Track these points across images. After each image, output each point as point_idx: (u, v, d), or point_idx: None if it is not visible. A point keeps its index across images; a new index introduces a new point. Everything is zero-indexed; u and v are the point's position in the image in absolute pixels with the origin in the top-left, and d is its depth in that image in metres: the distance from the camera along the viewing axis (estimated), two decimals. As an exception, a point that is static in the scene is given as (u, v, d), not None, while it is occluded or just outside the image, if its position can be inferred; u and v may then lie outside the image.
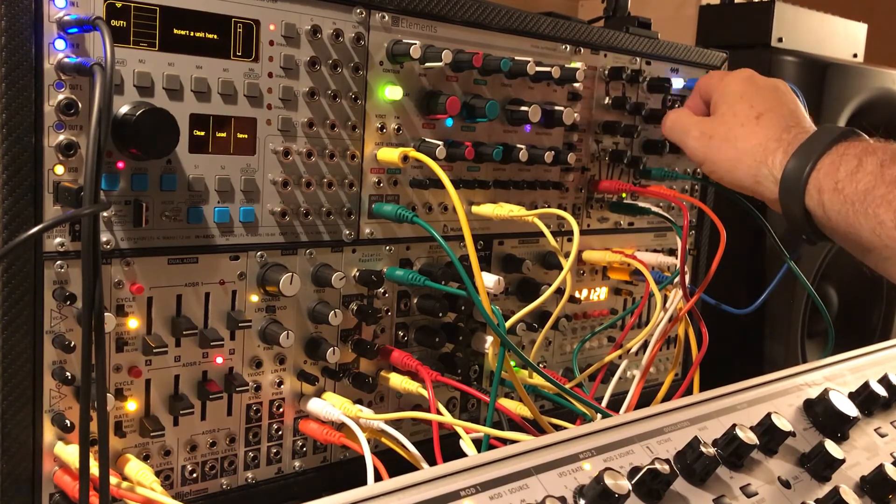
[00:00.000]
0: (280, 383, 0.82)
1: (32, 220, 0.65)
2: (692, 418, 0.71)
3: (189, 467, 0.77)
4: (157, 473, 0.73)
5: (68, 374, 0.68)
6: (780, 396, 0.78)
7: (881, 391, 0.82)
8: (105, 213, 0.69)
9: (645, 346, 1.11)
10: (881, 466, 0.73)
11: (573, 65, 0.96)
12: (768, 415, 0.72)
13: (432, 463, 0.77)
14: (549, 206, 1.00)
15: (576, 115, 0.96)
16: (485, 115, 0.87)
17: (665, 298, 0.98)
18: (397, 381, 0.87)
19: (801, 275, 1.08)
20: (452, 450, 0.79)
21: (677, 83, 1.12)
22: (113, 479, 0.67)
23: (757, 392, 0.77)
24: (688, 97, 1.00)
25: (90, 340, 0.59)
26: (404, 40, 0.83)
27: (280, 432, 0.83)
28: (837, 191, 0.75)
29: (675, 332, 1.02)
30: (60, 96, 0.65)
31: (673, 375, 1.03)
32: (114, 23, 0.67)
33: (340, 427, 0.81)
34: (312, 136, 0.80)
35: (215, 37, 0.72)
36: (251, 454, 0.81)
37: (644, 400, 0.99)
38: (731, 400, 0.75)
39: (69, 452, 0.68)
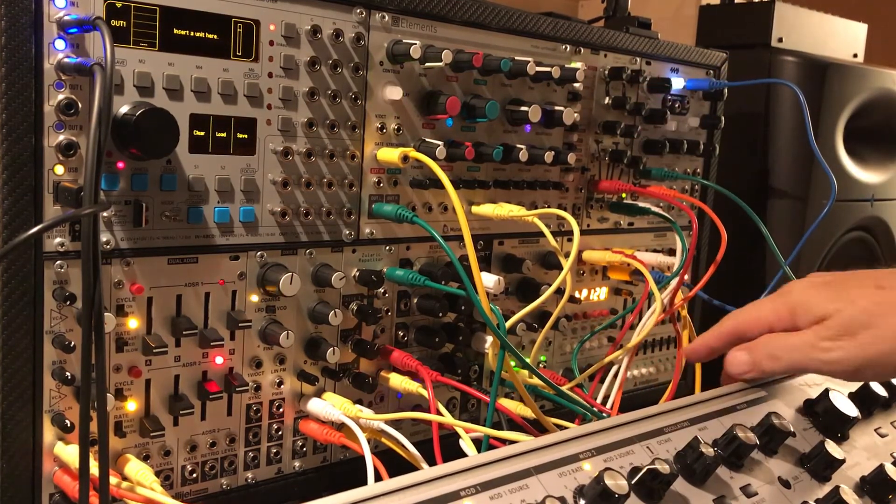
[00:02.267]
0: (280, 383, 0.82)
1: (32, 220, 0.65)
2: (692, 418, 0.71)
3: (189, 467, 0.77)
4: (157, 473, 0.73)
5: (68, 374, 0.68)
6: (780, 396, 0.78)
7: (881, 391, 0.82)
8: (105, 213, 0.69)
9: (645, 346, 1.11)
10: (881, 466, 0.73)
11: (573, 65, 0.96)
12: (768, 415, 0.72)
13: (432, 463, 0.77)
14: (549, 206, 1.00)
15: (576, 115, 0.95)
16: (485, 115, 0.87)
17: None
18: (397, 381, 0.87)
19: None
20: (452, 450, 0.79)
21: (677, 83, 1.12)
22: (113, 479, 0.67)
23: (757, 392, 0.77)
24: (711, 338, 0.79)
25: (90, 340, 0.58)
26: (404, 40, 0.83)
27: (280, 432, 0.83)
28: None
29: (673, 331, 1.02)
30: (60, 96, 0.65)
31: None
32: (114, 23, 0.67)
33: (340, 427, 0.81)
34: (312, 136, 0.80)
35: (215, 37, 0.72)
36: (251, 454, 0.81)
37: (644, 400, 0.99)
38: (731, 400, 0.75)
39: (69, 452, 0.68)
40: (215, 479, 0.79)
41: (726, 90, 1.16)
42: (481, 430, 0.80)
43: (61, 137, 0.65)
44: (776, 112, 1.30)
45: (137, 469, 0.70)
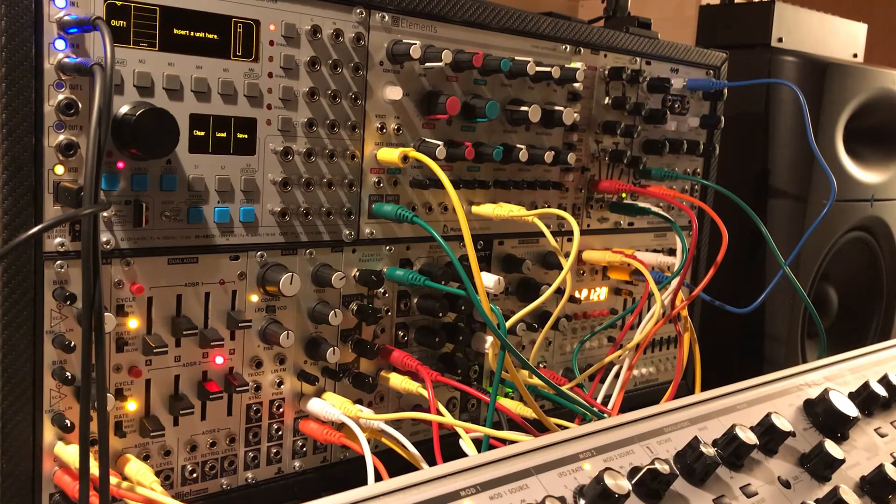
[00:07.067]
0: (280, 383, 0.82)
1: (32, 220, 0.65)
2: (692, 418, 0.71)
3: (189, 467, 0.77)
4: (157, 473, 0.73)
5: (68, 374, 0.68)
6: (780, 396, 0.78)
7: (881, 391, 0.82)
8: (105, 213, 0.69)
9: (645, 346, 1.11)
10: (881, 466, 0.73)
11: (573, 65, 0.96)
12: (768, 415, 0.72)
13: (432, 463, 0.77)
14: (549, 206, 1.00)
15: (576, 115, 0.95)
16: (485, 115, 0.87)
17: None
18: (397, 381, 0.87)
19: (796, 282, 1.08)
20: (452, 450, 0.79)
21: (677, 83, 1.12)
22: (113, 479, 0.67)
23: (757, 392, 0.77)
24: None
25: (90, 340, 0.58)
26: (404, 40, 0.83)
27: (280, 432, 0.83)
28: None
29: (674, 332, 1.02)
30: (60, 96, 0.65)
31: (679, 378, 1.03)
32: (114, 23, 0.67)
33: (340, 427, 0.81)
34: (312, 136, 0.80)
35: (215, 37, 0.72)
36: (251, 454, 0.81)
37: (644, 400, 0.99)
38: (731, 400, 0.75)
39: (69, 452, 0.68)
40: (215, 479, 0.79)
41: (726, 90, 1.16)
42: (481, 430, 0.80)
43: (61, 137, 0.65)
44: (776, 112, 1.30)
45: (137, 469, 0.70)
